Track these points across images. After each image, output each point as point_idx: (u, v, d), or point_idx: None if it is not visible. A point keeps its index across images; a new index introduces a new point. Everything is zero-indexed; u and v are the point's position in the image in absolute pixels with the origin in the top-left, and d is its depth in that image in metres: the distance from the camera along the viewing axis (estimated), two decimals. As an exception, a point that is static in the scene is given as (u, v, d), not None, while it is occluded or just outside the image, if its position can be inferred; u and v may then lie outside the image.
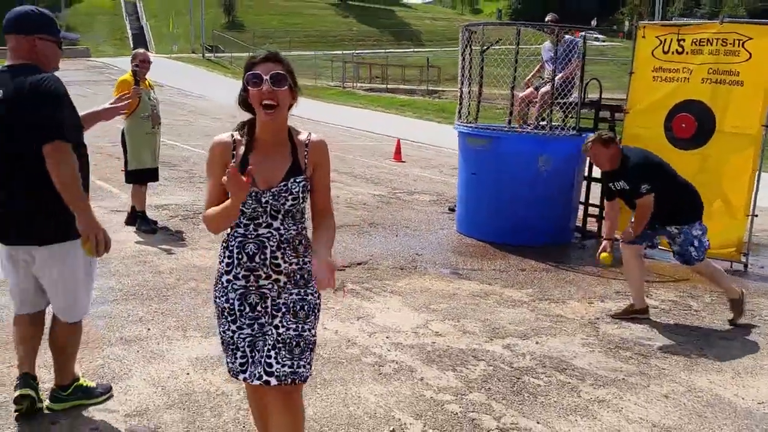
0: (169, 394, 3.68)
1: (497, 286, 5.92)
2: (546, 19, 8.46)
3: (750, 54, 6.83)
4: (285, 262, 2.45)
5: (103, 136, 12.06)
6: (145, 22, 58.62)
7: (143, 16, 60.28)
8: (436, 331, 4.72)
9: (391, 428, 3.39)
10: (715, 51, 7.00)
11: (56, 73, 3.19)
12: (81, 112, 3.39)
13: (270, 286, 2.45)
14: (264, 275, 2.44)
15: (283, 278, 2.46)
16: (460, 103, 8.08)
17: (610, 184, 5.30)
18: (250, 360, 2.45)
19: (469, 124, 7.90)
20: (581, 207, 8.08)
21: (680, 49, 7.22)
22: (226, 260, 2.49)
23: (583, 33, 8.05)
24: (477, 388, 3.85)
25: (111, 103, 3.65)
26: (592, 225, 8.01)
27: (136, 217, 7.19)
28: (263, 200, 2.39)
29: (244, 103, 2.44)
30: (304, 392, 3.61)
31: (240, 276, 2.45)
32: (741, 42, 6.89)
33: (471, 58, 7.93)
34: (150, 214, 7.45)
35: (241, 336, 2.46)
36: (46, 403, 3.43)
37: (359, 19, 66.89)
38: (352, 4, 69.91)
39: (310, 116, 23.45)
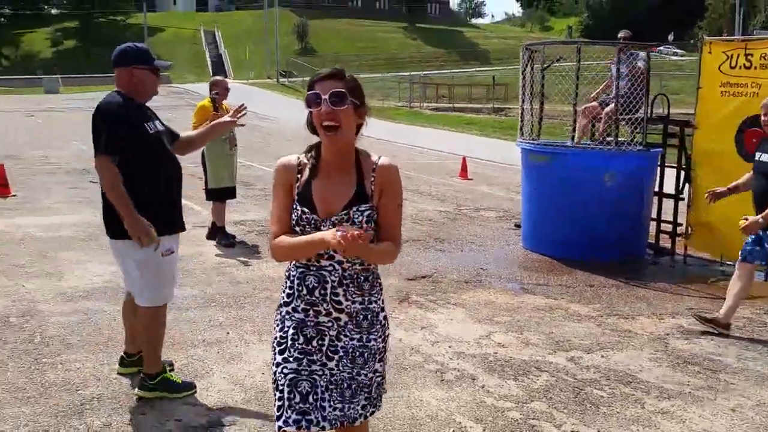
0: (246, 391, 3.93)
1: (563, 300, 5.92)
2: (618, 35, 8.43)
3: None
4: (347, 299, 2.26)
5: (185, 158, 12.59)
6: (223, 50, 60.85)
7: (221, 44, 62.57)
8: (499, 342, 4.78)
9: (452, 430, 3.48)
10: None
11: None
12: (196, 130, 4.14)
13: (330, 324, 2.27)
14: (324, 311, 2.26)
15: (344, 317, 2.26)
16: (522, 121, 8.12)
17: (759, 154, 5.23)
18: (287, 403, 2.21)
19: (531, 141, 7.94)
20: (654, 223, 7.96)
21: (748, 64, 7.09)
22: (287, 290, 2.34)
23: (648, 50, 7.97)
24: (539, 397, 3.90)
25: (230, 116, 4.03)
26: (665, 242, 7.87)
27: (217, 232, 7.58)
28: (323, 229, 2.19)
29: (311, 124, 2.25)
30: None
31: (299, 309, 2.29)
32: None
33: (532, 77, 7.98)
34: (229, 229, 7.83)
35: (284, 372, 2.25)
36: (135, 390, 3.81)
37: (426, 41, 67.54)
38: (420, 26, 70.58)
39: (378, 136, 23.81)
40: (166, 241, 3.64)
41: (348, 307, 2.26)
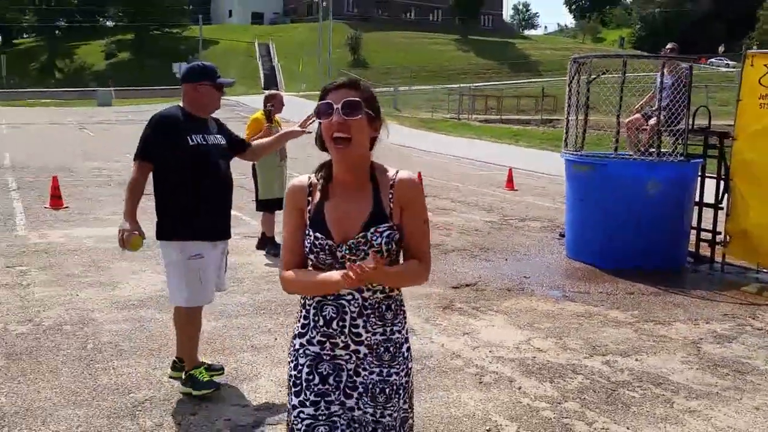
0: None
1: (602, 307, 6.13)
2: (666, 47, 8.59)
3: None
4: (367, 331, 2.09)
5: (233, 169, 13.16)
6: (276, 63, 62.06)
7: (275, 56, 63.82)
8: (538, 347, 5.03)
9: (488, 428, 3.77)
10: None
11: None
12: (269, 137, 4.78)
13: (347, 357, 2.11)
14: (342, 344, 2.10)
15: (363, 349, 2.10)
16: (567, 132, 8.35)
17: None
18: None
19: (575, 152, 8.15)
20: (694, 232, 8.07)
21: None
22: (302, 321, 2.18)
23: (690, 63, 8.10)
24: (572, 398, 4.15)
25: (299, 125, 4.32)
26: (705, 250, 7.98)
27: (266, 242, 7.96)
28: (338, 255, 2.06)
29: (320, 138, 2.08)
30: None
31: (315, 341, 2.13)
32: None
33: (579, 89, 8.19)
34: (278, 239, 8.21)
35: (301, 417, 2.09)
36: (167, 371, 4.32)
37: (478, 53, 67.61)
38: (473, 38, 70.73)
39: (426, 148, 24.19)
40: (194, 246, 3.94)
41: (368, 339, 2.10)
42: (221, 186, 4.10)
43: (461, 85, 47.72)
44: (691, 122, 8.01)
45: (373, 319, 2.10)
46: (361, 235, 2.05)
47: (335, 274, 1.99)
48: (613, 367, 4.65)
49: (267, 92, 8.20)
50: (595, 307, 6.11)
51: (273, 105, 7.66)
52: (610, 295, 6.53)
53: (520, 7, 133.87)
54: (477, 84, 51.32)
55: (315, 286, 2.07)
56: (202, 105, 4.06)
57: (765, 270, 7.39)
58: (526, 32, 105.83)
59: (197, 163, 3.96)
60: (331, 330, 2.09)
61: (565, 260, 8.02)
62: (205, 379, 4.13)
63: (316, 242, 2.07)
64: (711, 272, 7.63)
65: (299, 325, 2.19)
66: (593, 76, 8.10)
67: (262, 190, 7.86)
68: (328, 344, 2.11)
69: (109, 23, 77.44)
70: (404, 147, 24.78)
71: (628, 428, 3.77)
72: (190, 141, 3.94)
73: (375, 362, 2.11)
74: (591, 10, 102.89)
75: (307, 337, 2.14)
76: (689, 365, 4.72)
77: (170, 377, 4.32)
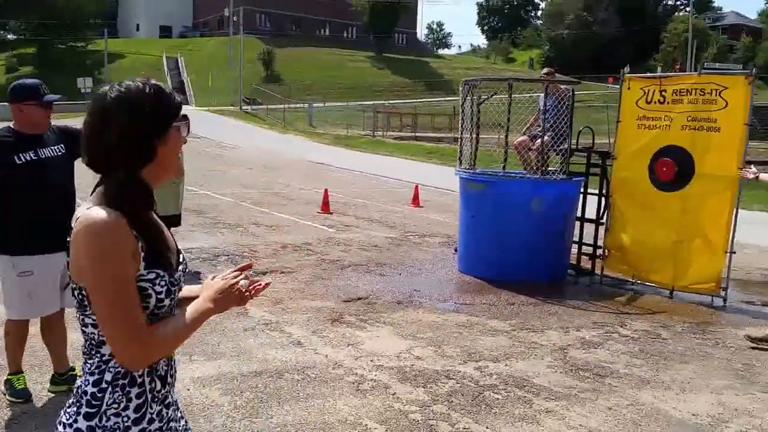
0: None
1: (483, 317, 6.45)
2: (542, 72, 9.13)
3: (726, 102, 7.35)
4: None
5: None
6: (185, 77, 61.04)
7: (184, 71, 62.78)
8: (417, 356, 5.28)
9: (357, 431, 3.96)
10: (694, 100, 7.53)
11: None
12: None
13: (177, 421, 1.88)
14: (174, 404, 1.85)
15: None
16: (461, 151, 8.73)
17: None
18: None
19: (467, 170, 8.53)
20: (575, 246, 8.58)
21: (662, 99, 7.77)
22: (125, 403, 1.67)
23: (572, 86, 8.64)
24: (441, 401, 4.39)
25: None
26: (586, 263, 8.50)
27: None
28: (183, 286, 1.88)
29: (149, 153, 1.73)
30: (287, 405, 4.24)
31: (154, 417, 1.73)
32: (718, 91, 7.42)
33: (472, 109, 8.60)
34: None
35: None
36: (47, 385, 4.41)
37: (393, 70, 68.59)
38: (387, 56, 71.77)
39: (339, 164, 24.42)
40: (24, 261, 4.03)
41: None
42: (55, 199, 4.13)
43: (376, 102, 48.41)
44: (575, 142, 8.56)
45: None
46: (180, 256, 1.88)
47: (207, 301, 1.76)
48: (484, 372, 4.94)
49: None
50: (476, 318, 6.43)
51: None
52: (492, 306, 6.87)
53: (434, 26, 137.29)
54: (392, 101, 52.12)
55: (194, 320, 1.72)
56: (31, 124, 4.12)
57: (640, 282, 7.93)
58: (440, 51, 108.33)
59: (27, 180, 4.04)
60: (167, 389, 1.78)
61: (457, 274, 8.36)
62: (19, 387, 4.25)
63: (172, 280, 1.75)
64: (590, 284, 8.14)
65: (122, 417, 1.67)
66: (484, 98, 8.53)
67: (157, 207, 7.80)
68: (164, 412, 1.77)
69: (10, 36, 74.13)
70: (316, 163, 24.97)
71: (487, 428, 4.04)
72: (17, 160, 4.02)
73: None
74: (502, 31, 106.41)
75: (147, 418, 1.71)
76: (554, 369, 5.07)
77: (49, 391, 4.38)
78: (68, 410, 1.70)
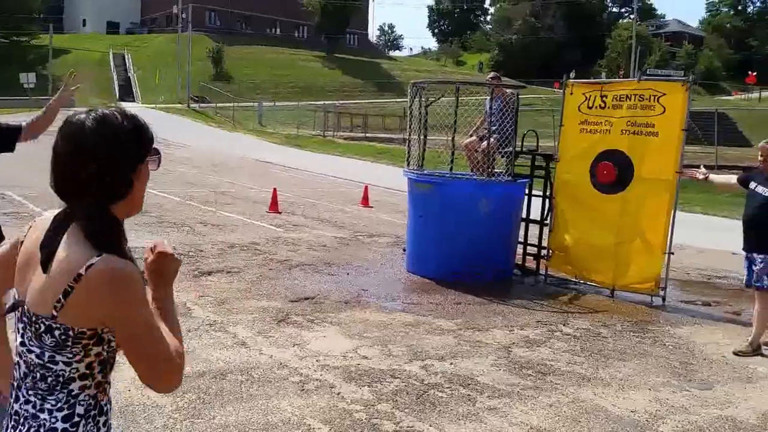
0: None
1: (430, 317, 6.50)
2: (487, 77, 9.26)
3: (664, 108, 7.59)
4: None
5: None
6: (132, 74, 59.85)
7: (131, 67, 61.55)
8: (363, 355, 5.28)
9: (301, 431, 3.94)
10: (633, 106, 7.75)
11: None
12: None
13: None
14: None
15: None
16: (409, 151, 8.79)
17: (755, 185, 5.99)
18: None
19: (415, 171, 8.58)
20: (520, 246, 8.72)
21: (603, 104, 7.98)
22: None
23: (517, 90, 8.80)
24: (386, 400, 4.41)
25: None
26: (530, 263, 8.65)
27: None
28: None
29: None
30: (230, 405, 4.20)
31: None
32: (656, 97, 7.66)
33: (420, 111, 8.65)
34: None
35: None
36: None
37: (344, 71, 68.51)
38: (339, 56, 71.64)
39: (289, 164, 24.27)
40: None
41: None
42: None
43: (327, 102, 48.28)
44: (520, 144, 8.70)
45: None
46: None
47: (161, 287, 1.75)
48: (429, 371, 4.98)
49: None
50: (423, 317, 6.48)
51: None
52: (439, 306, 6.93)
53: (386, 28, 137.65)
54: (343, 101, 52.04)
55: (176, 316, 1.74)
56: None
57: (582, 281, 8.11)
58: (391, 53, 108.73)
59: None
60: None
61: (405, 274, 8.40)
62: None
63: None
64: (535, 283, 8.30)
65: None
66: (431, 100, 8.60)
67: None
68: None
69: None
70: (266, 163, 24.78)
71: (431, 426, 4.07)
72: None
73: None
74: (453, 35, 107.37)
75: None
76: (498, 367, 5.14)
77: None
78: None
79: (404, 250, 9.50)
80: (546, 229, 8.43)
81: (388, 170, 23.77)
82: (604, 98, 8.01)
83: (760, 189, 5.97)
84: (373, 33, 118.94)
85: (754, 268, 5.82)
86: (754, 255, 5.85)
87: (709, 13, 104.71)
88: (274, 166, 24.04)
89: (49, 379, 1.60)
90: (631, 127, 7.74)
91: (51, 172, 1.63)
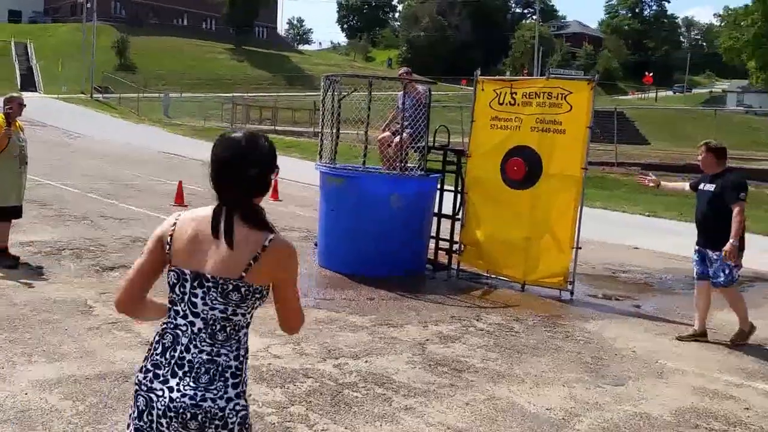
0: (5, 411, 3.90)
1: (344, 313, 6.37)
2: (399, 72, 9.20)
3: (571, 106, 7.74)
4: None
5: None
6: (35, 63, 56.94)
7: (33, 57, 58.53)
8: (275, 354, 5.08)
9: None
10: (542, 103, 7.87)
11: None
12: None
13: None
14: None
15: None
16: (321, 145, 8.60)
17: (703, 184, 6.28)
18: None
19: (327, 164, 8.41)
20: (432, 241, 8.72)
21: (513, 101, 8.06)
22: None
23: (429, 86, 8.76)
24: (299, 402, 4.24)
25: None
26: (443, 258, 8.66)
27: (-1, 253, 7.24)
28: None
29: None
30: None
31: None
32: (563, 95, 7.80)
33: (333, 104, 8.47)
34: (14, 250, 7.51)
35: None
36: None
37: (253, 64, 67.35)
38: (247, 48, 70.27)
39: (197, 156, 23.49)
40: None
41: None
42: None
43: (235, 94, 47.22)
44: (432, 140, 8.68)
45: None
46: None
47: None
48: (343, 370, 4.85)
49: (7, 95, 7.58)
50: (336, 313, 6.34)
51: (11, 108, 7.22)
52: (352, 302, 6.81)
53: (295, 21, 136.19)
54: (251, 94, 51.06)
55: None
56: None
57: (494, 276, 8.19)
58: (301, 47, 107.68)
59: None
60: None
61: (317, 269, 8.23)
62: None
63: None
64: (447, 278, 8.31)
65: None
66: (344, 94, 8.44)
67: None
68: None
69: None
70: (172, 155, 23.91)
71: (346, 428, 3.94)
72: None
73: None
74: (362, 30, 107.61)
75: None
76: (413, 365, 5.07)
77: None
78: (210, 388, 2.09)
79: (316, 244, 9.32)
80: (458, 224, 8.46)
81: (298, 163, 23.45)
82: (514, 95, 8.10)
83: (706, 187, 6.23)
84: (282, 26, 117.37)
85: (709, 265, 6.13)
86: (708, 252, 6.12)
87: (607, 15, 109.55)
88: (181, 158, 23.23)
89: (228, 329, 2.14)
90: (540, 124, 7.86)
91: (214, 176, 2.20)
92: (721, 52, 68.45)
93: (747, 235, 6.15)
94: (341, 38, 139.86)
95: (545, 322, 6.64)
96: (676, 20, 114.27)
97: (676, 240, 12.74)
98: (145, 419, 2.09)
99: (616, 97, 64.05)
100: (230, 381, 2.11)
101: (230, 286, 2.12)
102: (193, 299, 2.14)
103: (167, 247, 2.22)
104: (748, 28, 60.75)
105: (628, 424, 4.36)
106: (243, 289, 2.12)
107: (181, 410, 2.05)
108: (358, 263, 7.92)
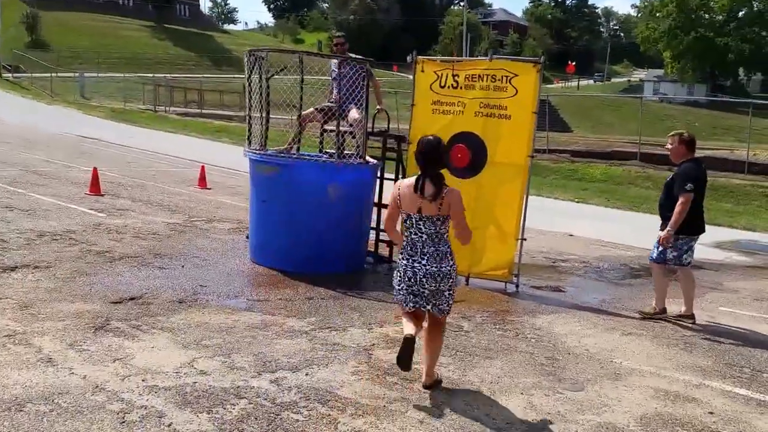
0: None
1: (280, 316, 5.79)
2: (333, 36, 8.47)
3: (516, 90, 7.34)
4: None
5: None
6: (-64, 40, 53.20)
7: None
8: (201, 370, 4.46)
9: (123, 482, 3.11)
10: (485, 86, 7.45)
11: None
12: None
13: None
14: None
15: None
16: (249, 130, 7.91)
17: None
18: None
19: (258, 151, 7.75)
20: (373, 232, 8.21)
21: (455, 84, 7.61)
22: None
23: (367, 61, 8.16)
24: (229, 430, 3.65)
25: None
26: (384, 250, 8.17)
27: None
28: None
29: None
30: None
31: None
32: (508, 78, 7.40)
33: (260, 85, 7.76)
34: None
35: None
36: None
37: (176, 43, 65.01)
38: (169, 27, 67.68)
39: (118, 141, 22.23)
40: None
41: None
42: None
43: (157, 74, 45.31)
44: (370, 125, 8.12)
45: None
46: None
47: None
48: (281, 386, 4.28)
49: None
50: (272, 316, 5.75)
51: None
52: (289, 302, 6.24)
53: (219, 0, 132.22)
54: (175, 75, 49.11)
55: None
56: None
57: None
58: (225, 26, 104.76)
59: None
60: None
61: (249, 265, 7.60)
62: None
63: None
64: (389, 271, 7.81)
65: None
66: (271, 73, 7.74)
67: None
68: None
69: None
70: (88, 139, 22.55)
71: (288, 461, 3.40)
72: None
73: None
74: (289, 11, 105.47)
75: None
76: (359, 376, 4.55)
77: None
78: (441, 263, 4.25)
79: (247, 237, 8.67)
80: (399, 215, 7.97)
81: (228, 149, 22.53)
82: (456, 77, 7.65)
83: (669, 177, 6.59)
84: (204, 4, 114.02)
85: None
86: None
87: (531, 4, 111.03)
88: (98, 142, 21.92)
89: (443, 236, 4.26)
90: (484, 108, 7.45)
91: (424, 161, 4.25)
92: (639, 42, 71.07)
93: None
94: (268, 18, 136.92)
95: (494, 318, 6.26)
96: (596, 10, 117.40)
97: (606, 226, 12.75)
98: (413, 280, 4.26)
99: (543, 86, 64.93)
100: (448, 258, 4.27)
101: (433, 218, 4.21)
102: (418, 225, 4.26)
103: (398, 202, 4.32)
104: (663, 19, 63.01)
105: (595, 438, 3.98)
106: (442, 218, 4.23)
107: (430, 273, 4.21)
108: (294, 258, 7.34)
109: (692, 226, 6.31)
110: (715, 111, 47.85)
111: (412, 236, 4.23)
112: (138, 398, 3.94)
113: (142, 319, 5.39)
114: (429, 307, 4.24)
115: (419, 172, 4.20)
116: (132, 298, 5.92)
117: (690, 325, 6.48)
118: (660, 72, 76.78)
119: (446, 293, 4.25)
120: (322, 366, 4.68)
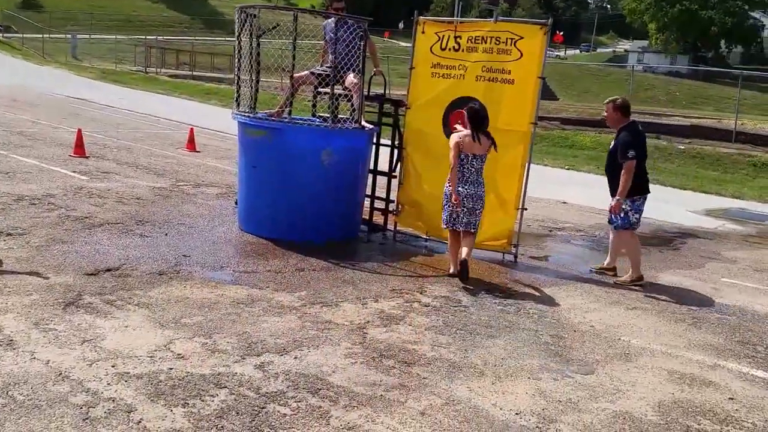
0: None
1: (268, 290, 5.39)
2: (333, 4, 7.96)
3: (521, 53, 6.87)
4: None
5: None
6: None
7: None
8: (179, 353, 4.05)
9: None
10: (489, 49, 6.97)
11: None
12: None
13: None
14: None
15: None
16: (238, 91, 7.41)
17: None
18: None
19: (247, 114, 7.26)
20: (367, 200, 7.78)
21: (457, 46, 7.14)
22: None
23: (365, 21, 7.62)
24: (207, 428, 3.25)
25: None
26: (378, 218, 7.76)
27: None
28: None
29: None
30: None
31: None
32: (513, 41, 6.91)
33: (251, 44, 7.25)
34: None
35: None
36: None
37: (169, 5, 63.79)
38: (163, -12, 66.43)
39: (108, 102, 21.63)
40: None
41: None
42: None
43: (149, 36, 44.40)
44: (367, 89, 7.61)
45: None
46: None
47: None
48: (267, 372, 3.88)
49: None
50: (259, 290, 5.35)
51: None
52: (278, 274, 5.83)
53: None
54: (167, 37, 48.12)
55: None
56: None
57: (434, 238, 7.36)
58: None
59: None
60: None
61: (237, 233, 7.18)
62: None
63: None
64: (383, 241, 7.45)
65: None
66: (262, 31, 7.20)
67: None
68: None
69: None
70: (78, 99, 21.95)
71: (270, 462, 3.01)
72: None
73: None
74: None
75: None
76: (353, 359, 4.16)
77: None
78: (478, 187, 6.21)
79: (236, 203, 8.24)
80: (395, 182, 7.55)
81: (218, 111, 21.98)
82: (458, 39, 7.17)
83: (612, 143, 6.67)
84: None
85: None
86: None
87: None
88: (87, 103, 21.32)
89: (481, 172, 6.23)
90: (487, 72, 6.98)
91: (474, 119, 6.15)
92: (625, 14, 72.39)
93: (659, 188, 7.04)
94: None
95: (494, 292, 5.89)
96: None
97: (597, 193, 12.27)
98: (464, 201, 6.14)
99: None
100: (482, 184, 6.18)
101: (484, 156, 6.17)
102: (472, 163, 6.13)
103: (461, 147, 6.07)
104: (650, -9, 63.12)
105: (612, 430, 3.61)
106: (486, 155, 6.20)
107: (470, 194, 6.11)
108: (285, 227, 6.93)
109: (643, 187, 6.55)
110: (696, 81, 47.80)
111: (466, 170, 6.13)
112: (105, 389, 3.52)
113: (117, 294, 4.97)
114: (462, 228, 6.12)
115: (461, 130, 6.26)
116: (108, 270, 5.50)
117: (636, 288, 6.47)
118: (644, 43, 77.03)
119: (478, 211, 6.12)
120: (312, 348, 4.29)
